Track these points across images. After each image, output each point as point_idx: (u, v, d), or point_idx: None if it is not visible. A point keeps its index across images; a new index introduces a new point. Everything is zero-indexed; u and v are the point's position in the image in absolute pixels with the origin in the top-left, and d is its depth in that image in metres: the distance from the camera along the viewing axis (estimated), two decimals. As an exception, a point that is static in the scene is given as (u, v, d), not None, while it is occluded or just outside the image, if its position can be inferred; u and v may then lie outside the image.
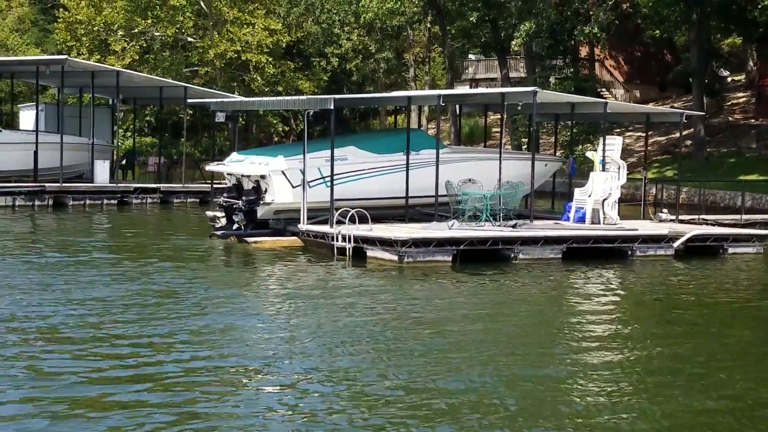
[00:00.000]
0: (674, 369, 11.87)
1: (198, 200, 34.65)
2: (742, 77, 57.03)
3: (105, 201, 32.93)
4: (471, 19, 50.49)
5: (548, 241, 21.41)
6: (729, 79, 56.91)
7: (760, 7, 38.60)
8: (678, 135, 48.06)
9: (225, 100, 30.63)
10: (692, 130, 43.26)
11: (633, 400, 10.39)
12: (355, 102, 38.60)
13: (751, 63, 54.56)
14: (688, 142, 42.21)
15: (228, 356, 11.81)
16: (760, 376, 11.76)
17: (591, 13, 45.36)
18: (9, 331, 12.70)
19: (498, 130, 48.53)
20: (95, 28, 52.52)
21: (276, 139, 56.81)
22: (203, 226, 25.84)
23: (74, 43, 53.13)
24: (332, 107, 21.82)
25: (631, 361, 12.34)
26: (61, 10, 55.31)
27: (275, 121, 56.63)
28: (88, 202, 32.47)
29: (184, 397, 10.01)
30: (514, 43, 47.49)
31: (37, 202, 31.41)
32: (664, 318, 15.77)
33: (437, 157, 22.70)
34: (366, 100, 36.97)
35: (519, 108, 25.10)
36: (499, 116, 47.32)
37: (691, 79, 47.32)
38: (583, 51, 51.54)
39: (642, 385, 11.12)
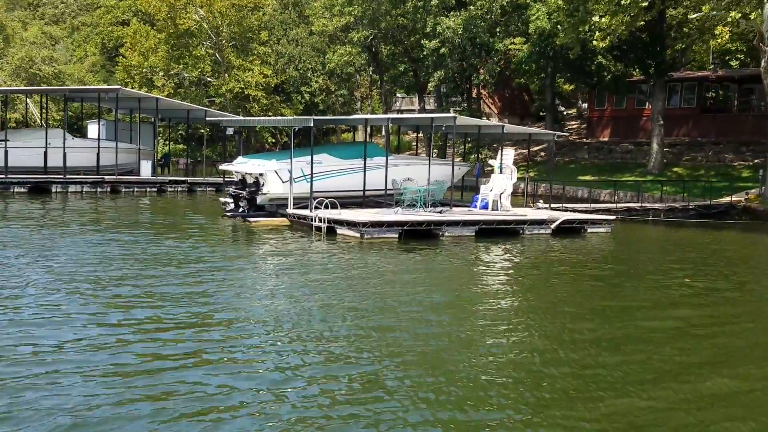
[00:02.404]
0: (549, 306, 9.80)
1: (214, 190, 31.82)
2: (573, 111, 55.89)
3: (147, 189, 30.11)
4: (400, 69, 48.44)
5: (465, 223, 19.25)
6: (565, 112, 55.73)
7: (595, 62, 37.35)
8: (536, 149, 46.72)
9: (233, 119, 27.88)
10: (546, 145, 41.64)
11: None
12: (328, 122, 35.85)
13: (580, 101, 53.29)
14: (543, 153, 40.54)
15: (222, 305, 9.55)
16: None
17: (480, 67, 43.46)
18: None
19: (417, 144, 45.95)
20: (143, 70, 49.70)
21: (267, 147, 54.13)
22: (217, 208, 23.19)
23: (129, 80, 50.05)
24: (312, 125, 19.51)
25: (515, 304, 10.26)
26: (120, 57, 52.82)
27: (267, 136, 53.93)
28: (135, 189, 29.68)
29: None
30: (429, 85, 45.28)
31: (98, 189, 28.55)
32: (545, 275, 13.55)
33: (386, 162, 20.67)
34: (336, 121, 34.15)
35: (443, 129, 22.83)
36: (420, 133, 45.53)
37: (542, 112, 45.85)
38: (474, 92, 49.51)
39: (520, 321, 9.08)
